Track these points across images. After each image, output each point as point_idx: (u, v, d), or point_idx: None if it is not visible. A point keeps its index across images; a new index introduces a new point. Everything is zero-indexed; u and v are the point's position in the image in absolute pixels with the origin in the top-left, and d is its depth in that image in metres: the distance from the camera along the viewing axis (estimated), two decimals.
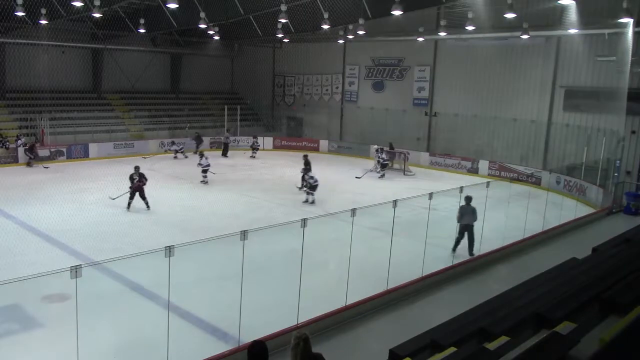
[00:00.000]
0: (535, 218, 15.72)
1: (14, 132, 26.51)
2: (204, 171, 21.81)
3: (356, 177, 24.19)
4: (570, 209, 17.88)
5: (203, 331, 8.97)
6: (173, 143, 28.98)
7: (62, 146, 26.77)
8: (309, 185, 18.86)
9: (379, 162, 24.93)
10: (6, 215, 15.84)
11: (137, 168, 17.38)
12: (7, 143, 25.15)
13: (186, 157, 28.44)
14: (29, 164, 24.68)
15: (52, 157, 26.02)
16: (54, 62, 28.01)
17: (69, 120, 28.61)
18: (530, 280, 9.86)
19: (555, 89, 24.63)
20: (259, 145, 30.70)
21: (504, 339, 6.33)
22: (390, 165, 25.85)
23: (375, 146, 26.58)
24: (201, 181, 21.69)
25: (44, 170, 23.58)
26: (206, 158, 22.00)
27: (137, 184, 16.92)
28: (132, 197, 17.01)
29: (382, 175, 24.57)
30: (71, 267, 6.32)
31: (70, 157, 26.44)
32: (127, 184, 17.17)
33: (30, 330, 9.05)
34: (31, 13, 21.85)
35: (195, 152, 26.80)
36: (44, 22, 23.21)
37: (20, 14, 20.09)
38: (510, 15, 18.68)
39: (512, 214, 15.68)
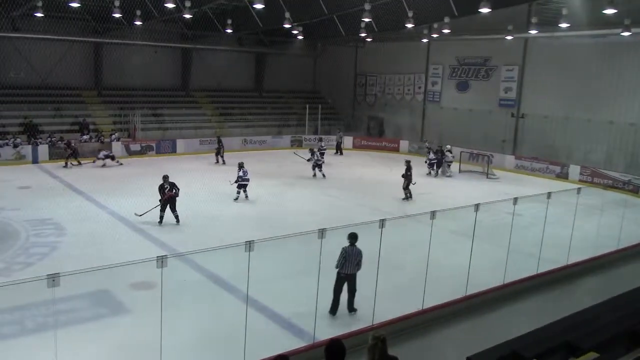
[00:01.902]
0: (632, 228, 14.69)
1: (109, 127, 28.23)
2: (241, 186, 18.16)
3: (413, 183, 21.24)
4: None
5: (279, 326, 9.09)
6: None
7: (152, 142, 28.16)
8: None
9: (429, 163, 24.59)
10: (100, 205, 16.88)
11: (166, 177, 15.11)
12: (102, 137, 26.79)
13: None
14: (66, 165, 23.30)
15: (142, 152, 27.43)
16: (146, 61, 29.53)
17: (159, 117, 30.07)
18: (624, 295, 9.20)
19: None
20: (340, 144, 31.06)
21: (592, 355, 5.95)
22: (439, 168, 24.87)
23: (448, 146, 25.74)
24: (235, 198, 18.08)
25: (135, 164, 24.85)
26: (245, 171, 18.26)
27: (169, 194, 14.84)
28: (163, 210, 14.91)
29: (429, 173, 24.38)
30: (157, 257, 6.58)
31: (159, 152, 27.75)
32: (208, 180, 17.28)
33: (118, 315, 9.56)
34: (127, 14, 23.13)
35: (217, 160, 25.75)
36: (138, 23, 24.51)
37: (117, 15, 21.29)
38: (610, 11, 17.54)
39: (606, 223, 14.72)
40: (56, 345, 6.40)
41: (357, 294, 9.35)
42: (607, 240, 13.62)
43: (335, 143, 31.18)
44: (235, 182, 18.13)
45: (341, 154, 30.72)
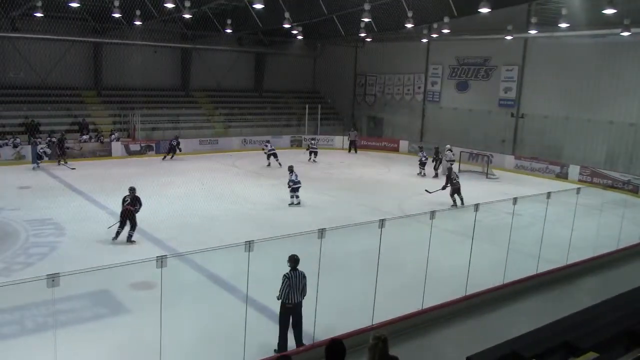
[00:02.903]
0: (632, 228, 14.68)
1: (108, 127, 28.23)
2: (294, 189, 18.02)
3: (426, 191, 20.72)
4: None
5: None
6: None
7: (152, 142, 28.15)
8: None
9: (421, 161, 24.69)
10: (100, 205, 16.89)
11: (132, 190, 13.70)
12: (102, 137, 26.79)
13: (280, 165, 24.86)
14: (59, 162, 23.48)
15: (142, 152, 27.43)
16: (146, 61, 29.54)
17: (158, 116, 30.07)
18: (624, 295, 9.20)
19: None
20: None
21: (592, 355, 5.96)
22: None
23: (448, 145, 25.68)
24: (290, 204, 17.95)
25: (135, 164, 24.85)
26: (296, 174, 18.21)
27: (127, 207, 13.33)
28: (122, 226, 13.31)
29: (419, 174, 24.44)
30: (157, 257, 6.59)
31: (158, 152, 27.70)
32: (209, 178, 17.15)
33: (117, 315, 9.57)
34: (127, 14, 23.14)
35: (165, 158, 25.99)
36: (138, 23, 24.52)
37: (116, 15, 21.29)
38: (609, 11, 17.54)
39: (605, 223, 14.72)
40: (56, 345, 6.41)
41: (357, 294, 9.31)
42: (607, 240, 13.62)
43: (349, 142, 31.85)
44: (288, 186, 18.03)
45: (355, 152, 31.18)
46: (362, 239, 9.25)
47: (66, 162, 23.62)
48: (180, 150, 26.69)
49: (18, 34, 25.41)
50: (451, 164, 24.02)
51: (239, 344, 7.48)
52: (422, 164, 24.51)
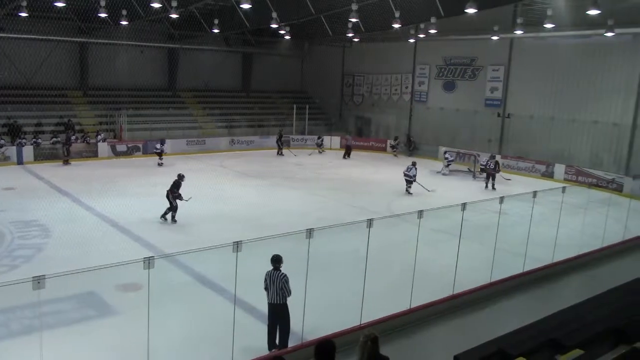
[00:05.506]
0: (616, 227, 14.87)
1: (94, 128, 27.99)
2: (410, 182, 20.23)
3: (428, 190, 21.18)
4: None
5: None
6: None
7: (139, 142, 27.97)
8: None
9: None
10: (86, 206, 16.74)
11: (177, 176, 15.49)
12: (88, 138, 26.57)
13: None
14: (66, 162, 24.01)
15: (129, 153, 27.25)
16: (132, 61, 29.32)
17: (145, 117, 29.88)
18: (608, 293, 9.32)
19: None
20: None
21: (577, 352, 6.04)
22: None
23: (444, 148, 26.04)
24: (407, 191, 20.21)
25: (122, 164, 24.66)
26: (416, 168, 20.50)
27: (167, 191, 15.20)
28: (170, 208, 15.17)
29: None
30: (144, 258, 6.56)
31: (145, 152, 27.55)
32: (196, 181, 17.18)
33: (105, 317, 9.50)
34: (113, 14, 22.98)
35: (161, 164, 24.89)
36: (124, 22, 24.36)
37: (102, 15, 21.11)
38: (593, 12, 17.73)
39: (590, 221, 14.89)
40: (42, 347, 6.35)
41: (345, 293, 9.30)
42: (592, 239, 13.78)
43: (345, 147, 30.77)
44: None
45: (349, 157, 29.79)
46: (351, 238, 9.26)
47: (69, 163, 23.78)
48: (163, 152, 25.83)
49: (2, 34, 25.04)
50: (449, 163, 25.02)
51: (228, 345, 7.47)
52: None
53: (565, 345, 6.34)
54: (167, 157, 26.37)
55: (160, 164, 24.85)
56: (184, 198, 15.28)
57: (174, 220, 15.18)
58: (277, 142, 30.22)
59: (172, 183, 15.28)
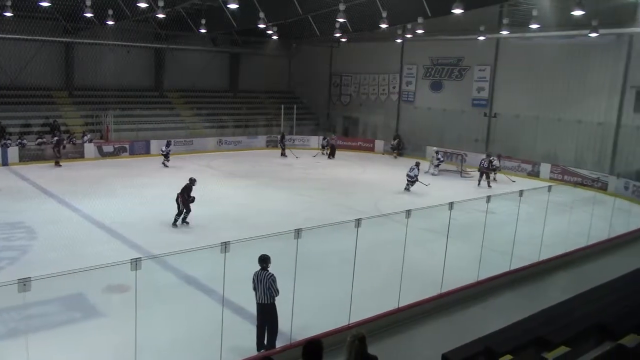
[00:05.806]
0: (601, 225, 15.02)
1: (81, 129, 27.74)
2: (412, 182, 20.76)
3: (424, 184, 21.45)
4: (639, 216, 16.99)
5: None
6: None
7: (125, 142, 27.78)
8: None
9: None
10: (72, 208, 16.59)
11: (188, 180, 15.29)
12: (74, 139, 26.33)
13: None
14: (57, 163, 23.81)
15: (116, 153, 27.05)
16: (119, 62, 29.14)
17: (132, 117, 29.67)
18: (593, 290, 9.43)
19: (625, 89, 23.42)
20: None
21: (563, 349, 6.09)
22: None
23: (435, 148, 26.17)
24: (406, 189, 20.76)
25: (109, 165, 24.46)
26: (419, 169, 21.11)
27: (178, 194, 15.03)
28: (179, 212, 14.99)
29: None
30: (131, 259, 6.51)
31: (132, 153, 27.38)
32: (183, 182, 17.11)
33: (91, 319, 9.42)
34: (99, 14, 22.80)
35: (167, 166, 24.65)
36: (110, 22, 24.18)
37: (88, 15, 20.95)
38: (578, 13, 17.92)
39: (575, 220, 15.06)
40: (28, 350, 6.29)
41: (333, 293, 9.29)
42: (577, 237, 13.92)
43: (329, 146, 30.36)
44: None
45: (333, 157, 29.63)
46: (339, 238, 9.28)
47: (60, 164, 23.58)
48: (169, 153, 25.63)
49: None
50: (439, 162, 25.19)
51: (216, 346, 7.45)
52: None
53: (552, 343, 6.39)
54: (154, 157, 26.26)
55: (165, 165, 24.67)
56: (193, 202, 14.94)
57: (185, 222, 14.91)
58: (279, 143, 30.26)
59: (182, 187, 14.91)
